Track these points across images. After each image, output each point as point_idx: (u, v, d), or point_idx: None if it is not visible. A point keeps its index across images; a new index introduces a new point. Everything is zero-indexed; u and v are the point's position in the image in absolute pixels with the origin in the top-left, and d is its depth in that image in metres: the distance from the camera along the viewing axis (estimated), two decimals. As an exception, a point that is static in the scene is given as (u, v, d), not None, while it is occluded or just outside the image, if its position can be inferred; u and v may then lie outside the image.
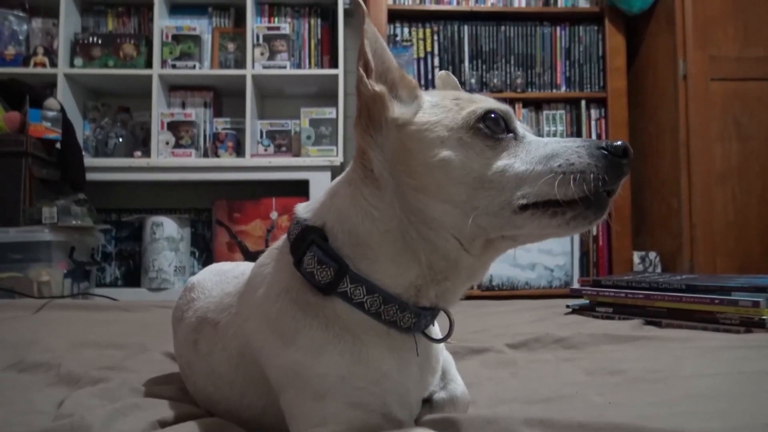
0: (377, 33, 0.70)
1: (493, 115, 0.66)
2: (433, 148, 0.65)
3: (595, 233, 3.24)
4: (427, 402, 0.79)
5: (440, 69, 3.25)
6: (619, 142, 0.63)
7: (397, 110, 0.69)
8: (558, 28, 3.32)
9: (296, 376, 0.66)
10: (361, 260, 0.67)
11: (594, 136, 3.26)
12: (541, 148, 0.65)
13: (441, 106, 0.69)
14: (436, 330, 0.77)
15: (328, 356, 0.65)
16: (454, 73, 3.30)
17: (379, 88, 0.69)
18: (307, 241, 0.68)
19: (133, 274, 3.28)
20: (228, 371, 0.78)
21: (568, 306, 1.82)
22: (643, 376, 1.00)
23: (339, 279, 0.65)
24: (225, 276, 0.89)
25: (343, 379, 0.64)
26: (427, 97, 0.71)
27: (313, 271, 0.66)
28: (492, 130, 0.66)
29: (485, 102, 0.69)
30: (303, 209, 0.74)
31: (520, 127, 0.69)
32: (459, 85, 0.88)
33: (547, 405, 0.86)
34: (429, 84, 3.23)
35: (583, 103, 3.28)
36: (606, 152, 0.62)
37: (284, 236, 0.76)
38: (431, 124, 0.67)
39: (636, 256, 3.15)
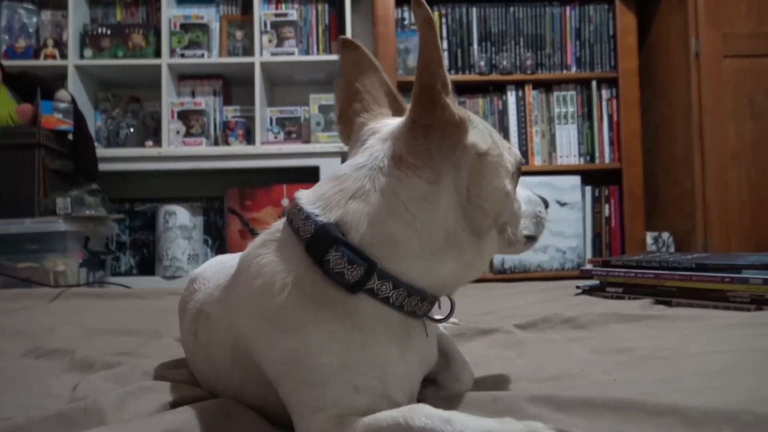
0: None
1: (520, 164, 0.80)
2: (504, 179, 0.74)
3: (607, 214, 3.23)
4: (432, 382, 0.80)
5: (449, 52, 3.24)
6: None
7: (472, 136, 0.71)
8: (568, 8, 3.28)
9: (295, 365, 0.66)
10: (390, 259, 0.67)
11: (606, 117, 3.24)
12: (524, 191, 0.82)
13: (494, 139, 0.75)
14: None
15: (336, 345, 0.65)
16: (463, 56, 3.33)
17: (463, 114, 0.69)
18: (330, 238, 0.66)
19: (148, 263, 3.32)
20: (225, 363, 0.78)
21: (578, 287, 1.81)
22: (650, 354, 1.00)
23: (367, 277, 0.65)
24: (222, 267, 0.89)
25: (346, 366, 0.65)
26: (479, 123, 0.74)
27: (344, 271, 0.65)
28: (519, 175, 0.79)
29: (513, 148, 0.81)
30: (308, 200, 0.71)
31: None
32: (378, 66, 0.86)
33: (553, 383, 0.87)
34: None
35: (594, 83, 3.24)
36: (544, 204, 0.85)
37: (277, 224, 0.75)
38: (502, 159, 0.75)
39: (649, 237, 3.13)
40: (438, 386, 0.81)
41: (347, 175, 0.71)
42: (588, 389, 0.80)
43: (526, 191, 0.82)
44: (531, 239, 0.82)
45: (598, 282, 1.76)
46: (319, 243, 0.67)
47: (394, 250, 0.67)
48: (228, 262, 0.91)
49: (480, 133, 0.72)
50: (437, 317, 0.76)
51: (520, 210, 0.79)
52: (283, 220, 0.73)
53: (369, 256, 0.66)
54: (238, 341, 0.74)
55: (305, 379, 0.65)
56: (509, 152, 0.77)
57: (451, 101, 0.67)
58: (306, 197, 0.72)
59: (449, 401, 0.74)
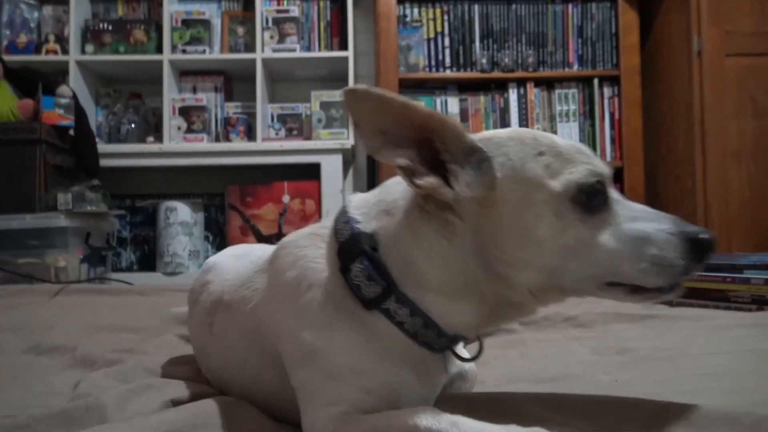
0: (371, 98, 0.60)
1: (596, 186, 0.62)
2: (528, 225, 0.61)
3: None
4: None
5: (451, 49, 3.23)
6: (707, 236, 0.60)
7: (461, 186, 0.62)
8: (570, 6, 3.27)
9: (313, 358, 0.66)
10: (410, 286, 0.65)
11: (607, 115, 3.23)
12: (631, 223, 0.61)
13: (529, 169, 0.62)
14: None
15: (353, 353, 0.65)
16: (465, 53, 3.34)
17: (430, 182, 0.62)
18: (358, 249, 0.65)
19: (149, 259, 3.32)
20: (241, 352, 0.78)
21: (579, 286, 1.81)
22: (651, 355, 1.00)
23: (385, 297, 0.64)
24: (241, 260, 0.88)
25: (361, 373, 0.65)
26: (497, 156, 0.63)
27: (360, 285, 0.64)
28: (591, 202, 0.61)
29: (583, 163, 0.62)
30: (356, 204, 0.71)
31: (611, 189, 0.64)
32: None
33: (554, 384, 0.87)
34: (440, 65, 3.20)
35: (595, 81, 3.23)
36: (695, 245, 0.60)
37: (326, 222, 0.74)
38: (522, 198, 0.61)
39: (650, 236, 3.12)
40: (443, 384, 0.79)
41: (390, 186, 0.70)
42: (589, 390, 0.80)
43: (642, 224, 0.61)
44: (642, 290, 0.61)
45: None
46: (347, 251, 0.66)
47: (415, 278, 0.64)
48: (246, 254, 0.90)
49: (485, 172, 0.62)
50: (464, 355, 0.73)
51: (599, 251, 0.61)
52: (334, 215, 0.73)
53: (392, 276, 0.64)
54: (261, 326, 0.74)
55: (321, 372, 0.65)
56: (567, 172, 0.61)
57: (421, 173, 0.62)
58: (356, 200, 0.72)
59: (453, 402, 0.74)
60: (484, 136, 0.66)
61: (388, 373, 0.65)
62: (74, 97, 2.86)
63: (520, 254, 0.62)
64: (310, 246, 0.71)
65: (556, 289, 0.64)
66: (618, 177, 3.20)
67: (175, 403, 0.79)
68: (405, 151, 0.62)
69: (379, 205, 0.69)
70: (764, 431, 0.59)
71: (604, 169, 0.64)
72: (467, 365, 0.82)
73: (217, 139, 3.32)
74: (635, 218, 0.62)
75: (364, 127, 0.61)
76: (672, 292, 0.62)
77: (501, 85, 3.27)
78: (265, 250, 0.84)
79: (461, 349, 0.76)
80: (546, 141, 0.64)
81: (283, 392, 0.72)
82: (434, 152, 0.64)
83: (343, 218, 0.69)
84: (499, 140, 0.65)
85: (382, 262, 0.65)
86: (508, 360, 1.05)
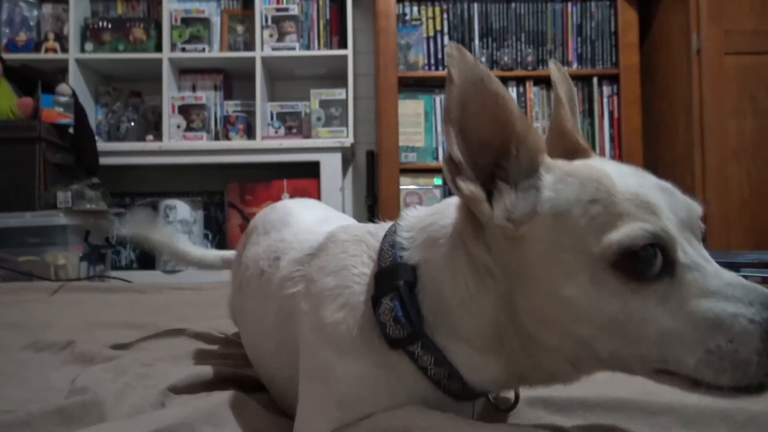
0: (475, 70, 0.53)
1: (645, 250, 0.49)
2: (556, 279, 0.51)
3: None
4: None
5: (450, 48, 3.23)
6: None
7: (498, 211, 0.54)
8: (569, 4, 3.27)
9: (326, 375, 0.63)
10: (441, 332, 0.59)
11: (606, 114, 3.23)
12: (702, 300, 0.49)
13: (571, 215, 0.51)
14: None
15: (369, 384, 0.61)
16: (464, 51, 3.27)
17: (471, 190, 0.54)
18: (393, 284, 0.59)
19: (148, 257, 3.32)
20: (273, 320, 0.77)
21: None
22: (647, 352, 1.00)
23: (411, 341, 0.58)
24: (315, 227, 0.82)
25: (371, 407, 0.61)
26: (549, 190, 0.53)
27: (386, 324, 0.59)
28: (640, 268, 0.49)
29: (639, 219, 0.50)
30: (407, 224, 0.64)
31: (684, 249, 0.51)
32: (572, 85, 0.68)
33: (551, 381, 0.87)
34: (439, 64, 3.20)
35: (595, 80, 3.24)
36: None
37: (383, 227, 0.69)
38: (553, 247, 0.52)
39: (649, 234, 3.13)
40: None
41: (447, 207, 0.63)
42: (585, 389, 0.80)
43: (716, 303, 0.48)
44: (706, 386, 0.49)
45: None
46: (382, 281, 0.61)
47: (447, 323, 0.59)
48: (325, 221, 0.87)
49: (531, 200, 0.53)
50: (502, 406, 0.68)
51: (648, 330, 0.49)
52: (393, 223, 0.68)
53: (424, 319, 0.59)
54: (292, 315, 0.71)
55: (330, 393, 0.62)
56: (611, 230, 0.49)
57: (467, 177, 0.54)
58: (409, 218, 0.66)
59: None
60: (560, 163, 0.56)
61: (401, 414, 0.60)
62: (74, 95, 2.87)
63: (547, 313, 0.53)
64: (358, 256, 0.66)
65: (594, 361, 0.54)
66: (617, 175, 3.21)
67: (173, 390, 0.80)
68: (465, 144, 0.54)
69: (428, 229, 0.62)
70: (757, 428, 0.60)
71: (666, 230, 0.50)
72: None
73: (217, 138, 3.32)
74: (709, 294, 0.49)
75: (455, 88, 0.53)
76: (749, 394, 0.48)
77: (500, 84, 3.26)
78: (337, 225, 0.77)
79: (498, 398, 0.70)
80: (607, 184, 0.52)
81: (293, 384, 0.70)
82: (495, 162, 0.56)
83: (390, 239, 0.64)
84: (565, 172, 0.55)
85: (416, 302, 0.59)
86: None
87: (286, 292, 0.74)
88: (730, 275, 0.50)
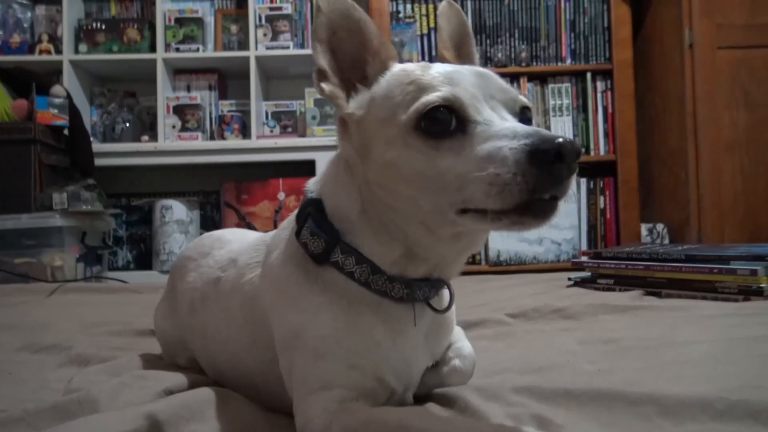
0: (341, 2, 0.68)
1: (438, 112, 0.60)
2: (383, 147, 0.63)
3: (602, 206, 3.24)
4: (434, 368, 0.79)
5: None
6: (554, 142, 0.53)
7: (352, 104, 0.68)
8: (562, 0, 3.28)
9: (296, 337, 0.68)
10: (348, 233, 0.69)
11: (600, 109, 3.24)
12: (483, 144, 0.58)
13: (393, 96, 0.64)
14: (446, 300, 0.75)
15: (324, 318, 0.67)
16: (457, 48, 3.32)
17: (328, 88, 0.68)
18: (305, 213, 0.71)
19: (145, 258, 3.33)
20: (240, 313, 0.80)
21: (569, 279, 1.83)
22: (635, 344, 1.02)
23: (331, 249, 0.67)
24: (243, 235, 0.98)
25: (339, 342, 0.66)
26: (384, 81, 0.68)
27: (307, 242, 0.69)
28: (435, 128, 0.60)
29: (433, 91, 0.61)
30: (312, 182, 0.77)
31: (480, 111, 0.61)
32: (465, 22, 0.85)
33: (539, 373, 0.89)
34: (433, 61, 3.20)
35: (588, 75, 3.25)
36: (535, 157, 0.53)
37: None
38: (381, 121, 0.64)
39: (644, 228, 3.14)
40: (440, 374, 0.79)
41: (330, 159, 0.76)
42: (571, 379, 0.82)
43: (490, 144, 0.57)
44: (483, 213, 0.57)
45: (589, 274, 1.78)
46: (299, 218, 0.72)
47: (346, 221, 0.69)
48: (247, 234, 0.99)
49: (369, 93, 0.67)
50: (440, 308, 0.72)
51: (447, 177, 0.59)
52: None
53: (336, 228, 0.68)
54: (257, 299, 0.76)
55: (305, 351, 0.67)
56: (416, 102, 0.61)
57: (331, 83, 0.68)
58: (312, 180, 0.77)
59: (436, 396, 0.76)
60: (404, 65, 0.70)
61: (362, 334, 0.67)
62: (68, 96, 2.87)
63: (381, 178, 0.64)
64: (288, 228, 0.76)
65: (430, 216, 0.62)
66: (612, 170, 3.22)
67: (168, 392, 0.81)
68: (337, 61, 0.69)
69: (324, 174, 0.75)
70: (736, 415, 0.61)
71: (455, 94, 0.61)
72: (458, 362, 0.80)
73: (212, 137, 3.33)
74: (489, 138, 0.58)
75: (323, 16, 0.67)
76: (528, 215, 0.56)
77: (494, 80, 3.27)
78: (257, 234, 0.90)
79: (444, 300, 0.74)
80: (425, 70, 0.65)
81: (276, 369, 0.72)
82: (364, 75, 0.69)
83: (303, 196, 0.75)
84: (400, 68, 0.69)
85: (326, 218, 0.69)
86: (496, 351, 1.07)
87: (246, 278, 0.80)
88: (519, 126, 0.59)
